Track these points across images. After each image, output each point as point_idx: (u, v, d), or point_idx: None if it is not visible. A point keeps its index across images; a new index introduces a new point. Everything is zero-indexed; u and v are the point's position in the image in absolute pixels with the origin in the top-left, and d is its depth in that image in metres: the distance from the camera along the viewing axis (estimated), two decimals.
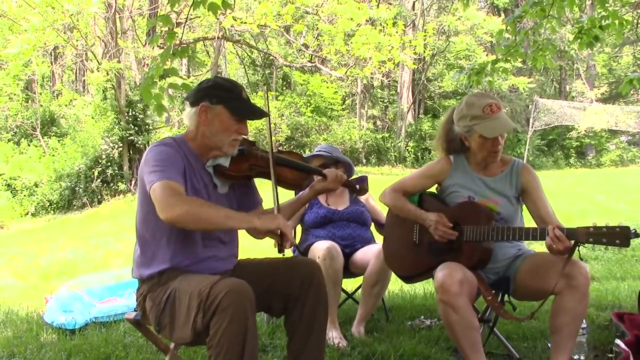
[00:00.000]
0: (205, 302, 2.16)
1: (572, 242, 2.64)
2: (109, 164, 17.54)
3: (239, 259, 2.71)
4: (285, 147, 22.45)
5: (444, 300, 2.72)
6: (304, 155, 4.13)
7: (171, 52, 3.64)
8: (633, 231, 2.50)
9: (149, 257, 2.48)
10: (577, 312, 2.72)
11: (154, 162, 2.38)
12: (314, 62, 20.66)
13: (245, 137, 2.63)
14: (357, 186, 2.90)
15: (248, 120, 2.58)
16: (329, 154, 4.10)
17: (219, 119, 2.49)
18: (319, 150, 4.17)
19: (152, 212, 2.34)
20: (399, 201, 3.19)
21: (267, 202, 2.73)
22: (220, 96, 2.49)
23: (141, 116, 17.61)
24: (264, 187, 2.63)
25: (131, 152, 17.64)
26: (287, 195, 2.95)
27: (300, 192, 2.84)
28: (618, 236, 2.51)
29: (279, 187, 2.67)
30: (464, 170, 3.14)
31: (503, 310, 2.92)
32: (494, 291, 3.01)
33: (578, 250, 2.68)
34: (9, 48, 15.90)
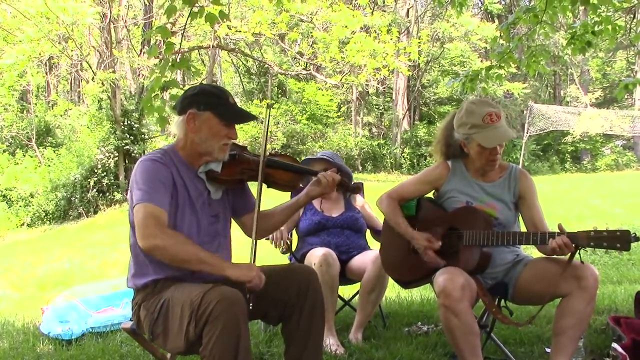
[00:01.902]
0: (197, 312, 2.16)
1: (573, 245, 2.66)
2: (105, 173, 17.52)
3: None
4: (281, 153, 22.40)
5: (446, 305, 2.72)
6: (307, 157, 4.14)
7: (170, 64, 3.65)
8: (633, 235, 2.52)
9: (143, 267, 2.47)
10: (584, 314, 2.73)
11: (141, 179, 2.39)
12: (309, 70, 20.71)
13: (235, 142, 2.64)
14: (350, 186, 2.89)
15: (239, 125, 2.58)
16: (332, 160, 4.09)
17: (208, 125, 2.50)
18: (324, 155, 4.16)
19: None
20: (392, 212, 3.19)
21: (266, 206, 2.73)
22: (208, 102, 2.50)
23: (137, 125, 17.61)
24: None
25: (127, 162, 17.61)
26: (281, 198, 2.93)
27: (296, 197, 2.84)
28: (619, 240, 2.53)
29: (275, 189, 2.69)
30: (462, 176, 3.15)
31: (501, 315, 2.92)
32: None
33: (579, 254, 2.70)
34: (3, 59, 15.90)
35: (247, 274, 2.36)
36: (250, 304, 2.35)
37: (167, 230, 2.33)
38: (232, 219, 2.78)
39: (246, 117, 2.63)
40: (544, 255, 2.94)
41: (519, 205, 3.11)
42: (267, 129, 2.76)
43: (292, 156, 2.91)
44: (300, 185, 2.85)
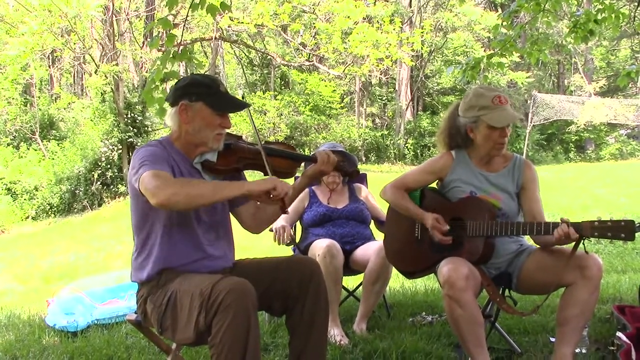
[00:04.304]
0: (207, 302, 2.16)
1: (577, 235, 2.65)
2: (109, 166, 17.55)
3: (238, 258, 2.71)
4: None
5: (450, 295, 2.72)
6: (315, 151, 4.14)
7: (171, 56, 3.65)
8: (638, 225, 2.52)
9: (146, 260, 2.48)
10: (587, 304, 2.73)
11: (139, 160, 2.37)
12: (312, 61, 20.66)
13: (230, 132, 2.64)
14: (348, 169, 2.88)
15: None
16: (337, 149, 4.10)
17: (200, 115, 2.49)
18: (332, 147, 4.15)
19: (143, 216, 2.37)
20: (399, 198, 3.18)
21: None
22: (199, 93, 2.49)
23: (140, 118, 17.63)
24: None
25: (131, 154, 17.54)
26: None
27: (295, 181, 2.84)
28: (623, 230, 2.53)
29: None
30: (465, 166, 3.14)
31: (506, 305, 2.92)
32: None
33: (583, 244, 2.69)
34: (6, 50, 15.90)
35: (268, 182, 2.33)
36: (287, 210, 2.45)
37: (177, 180, 2.32)
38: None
39: (238, 105, 2.61)
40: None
41: (520, 196, 3.10)
42: (251, 116, 2.75)
43: (297, 148, 2.90)
44: (298, 173, 2.86)
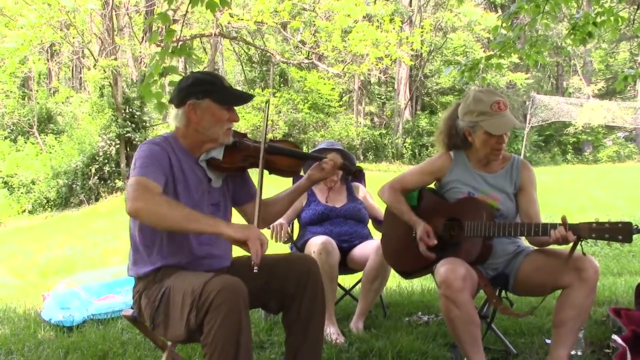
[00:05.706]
0: (198, 301, 2.16)
1: (575, 237, 2.65)
2: (106, 161, 17.53)
3: (236, 256, 2.70)
4: None
5: (447, 295, 2.71)
6: (315, 149, 4.14)
7: (170, 51, 3.63)
8: (635, 227, 2.51)
9: (144, 257, 2.48)
10: (584, 306, 2.73)
11: (138, 161, 2.38)
12: (311, 59, 20.64)
13: (235, 129, 2.64)
14: (352, 168, 2.89)
15: (240, 114, 2.58)
16: (336, 147, 4.11)
17: (210, 112, 2.49)
18: (331, 145, 4.16)
19: None
20: (395, 201, 3.18)
21: (267, 193, 2.71)
22: (204, 90, 2.49)
23: (138, 113, 17.60)
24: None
25: (128, 149, 17.60)
26: (284, 184, 2.93)
27: (297, 182, 2.83)
28: (621, 232, 2.52)
29: (276, 176, 2.69)
30: (464, 167, 3.14)
31: (503, 306, 2.92)
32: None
33: (581, 245, 2.69)
34: (5, 42, 15.87)
35: (244, 232, 2.25)
36: (255, 267, 2.21)
37: (155, 195, 2.27)
38: (233, 208, 2.77)
39: (244, 98, 2.62)
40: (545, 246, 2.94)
41: (517, 196, 3.10)
42: (267, 117, 2.75)
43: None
44: (302, 171, 2.86)
